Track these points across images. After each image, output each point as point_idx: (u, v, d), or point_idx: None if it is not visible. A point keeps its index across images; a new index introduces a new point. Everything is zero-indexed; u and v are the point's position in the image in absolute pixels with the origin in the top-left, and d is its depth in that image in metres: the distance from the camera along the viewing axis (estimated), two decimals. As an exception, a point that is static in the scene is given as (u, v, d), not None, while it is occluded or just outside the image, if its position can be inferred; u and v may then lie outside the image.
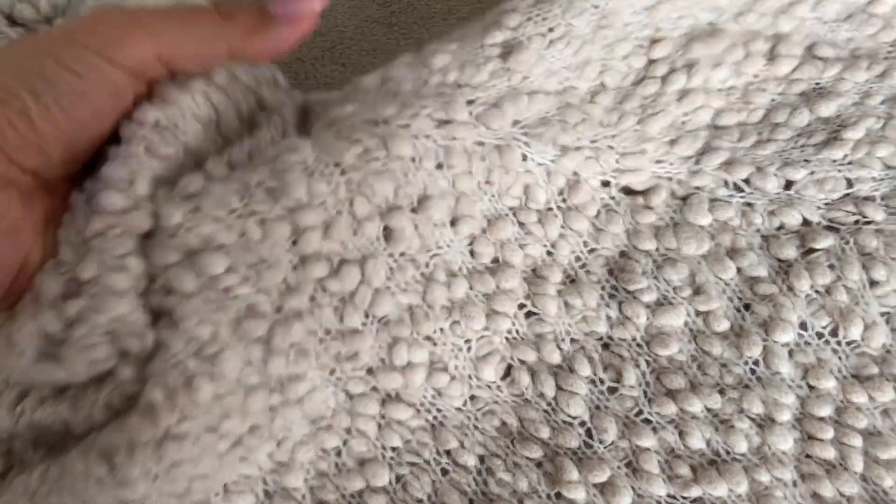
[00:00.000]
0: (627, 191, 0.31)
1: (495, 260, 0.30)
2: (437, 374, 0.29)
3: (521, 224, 0.30)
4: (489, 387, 0.30)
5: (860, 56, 0.31)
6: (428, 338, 0.29)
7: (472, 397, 0.30)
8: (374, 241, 0.28)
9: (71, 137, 0.25)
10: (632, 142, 0.30)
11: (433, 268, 0.29)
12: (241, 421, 0.26)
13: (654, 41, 0.31)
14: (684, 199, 0.31)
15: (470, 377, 0.30)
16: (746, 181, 0.31)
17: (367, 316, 0.28)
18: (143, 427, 0.24)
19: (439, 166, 0.28)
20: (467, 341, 0.30)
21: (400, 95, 0.29)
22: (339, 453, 0.29)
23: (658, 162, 0.31)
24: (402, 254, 0.28)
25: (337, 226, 0.27)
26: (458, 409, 0.30)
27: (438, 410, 0.30)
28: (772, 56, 0.31)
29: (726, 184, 0.31)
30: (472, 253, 0.30)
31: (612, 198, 0.31)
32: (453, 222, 0.29)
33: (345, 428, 0.29)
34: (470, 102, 0.29)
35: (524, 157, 0.29)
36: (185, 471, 0.25)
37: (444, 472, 0.29)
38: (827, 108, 0.31)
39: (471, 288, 0.29)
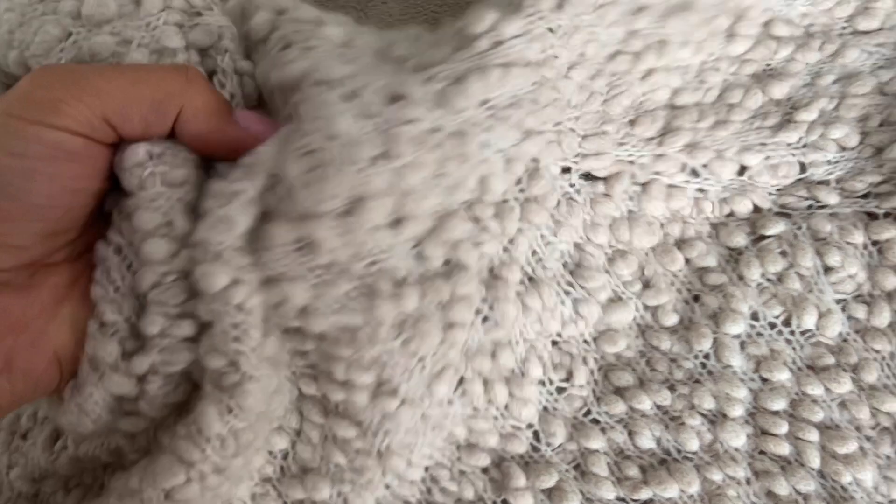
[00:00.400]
0: (587, 176, 0.29)
1: (447, 262, 0.26)
2: (384, 398, 0.26)
3: (476, 220, 0.26)
4: (440, 405, 0.27)
5: (814, 34, 0.30)
6: (374, 360, 0.26)
7: (423, 416, 0.27)
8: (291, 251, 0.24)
9: (36, 218, 0.23)
10: (593, 124, 0.28)
11: (374, 279, 0.25)
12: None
13: (639, 9, 0.27)
14: (643, 185, 0.29)
15: (422, 398, 0.27)
16: (705, 166, 0.29)
17: (303, 331, 0.25)
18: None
19: (384, 156, 0.23)
20: (420, 360, 0.26)
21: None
22: (285, 456, 0.28)
23: (621, 144, 0.28)
24: (327, 266, 0.24)
25: None
26: (407, 430, 0.27)
27: (385, 433, 0.27)
28: (730, 34, 0.29)
29: (684, 168, 0.29)
30: (419, 256, 0.25)
31: (573, 185, 0.28)
32: (395, 223, 0.24)
33: (294, 429, 0.28)
34: (429, 78, 0.24)
35: (484, 145, 0.25)
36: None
37: (387, 486, 0.28)
38: (779, 90, 0.29)
39: (423, 297, 0.25)
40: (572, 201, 0.29)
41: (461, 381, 0.27)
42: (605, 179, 0.29)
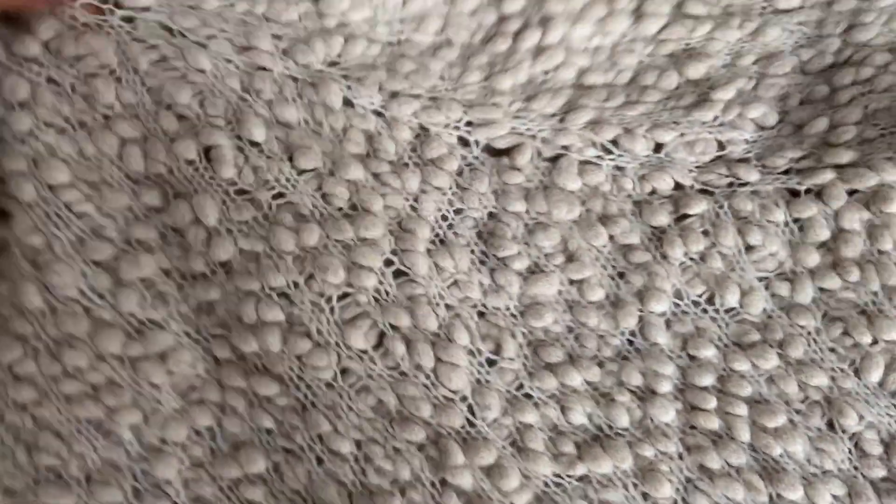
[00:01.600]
0: (492, 152, 0.30)
1: (353, 206, 0.27)
2: (296, 338, 0.26)
3: (374, 175, 0.28)
4: (360, 357, 0.27)
5: (733, 13, 0.31)
6: (281, 294, 0.26)
7: (344, 371, 0.27)
8: (195, 163, 0.26)
9: None
10: (478, 95, 0.29)
11: (277, 210, 0.26)
12: (92, 361, 0.25)
13: None
14: (553, 160, 0.30)
15: (337, 344, 0.27)
16: (614, 142, 0.30)
17: (207, 261, 0.26)
18: None
19: (246, 90, 0.27)
20: (328, 299, 0.26)
21: (201, 12, 0.27)
22: (213, 436, 0.27)
23: (516, 118, 0.29)
24: (237, 190, 0.26)
25: (152, 144, 0.26)
26: (329, 386, 0.27)
27: (307, 387, 0.26)
28: (638, 14, 0.30)
29: (594, 144, 0.29)
30: (324, 197, 0.27)
31: (476, 157, 0.29)
32: (291, 157, 0.27)
33: (216, 403, 0.27)
34: (276, 37, 0.27)
35: (348, 102, 0.28)
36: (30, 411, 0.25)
37: (319, 460, 0.27)
38: (696, 70, 0.30)
39: (326, 236, 0.27)
40: (476, 170, 0.29)
41: (381, 337, 0.27)
42: (508, 153, 0.29)
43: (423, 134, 0.29)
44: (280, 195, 0.27)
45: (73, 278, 0.26)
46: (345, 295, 0.27)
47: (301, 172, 0.27)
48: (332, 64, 0.28)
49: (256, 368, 0.27)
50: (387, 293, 0.27)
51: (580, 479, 0.27)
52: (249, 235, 0.26)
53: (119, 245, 0.26)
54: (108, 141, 0.26)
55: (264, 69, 0.27)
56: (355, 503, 0.26)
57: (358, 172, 0.27)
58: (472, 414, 0.27)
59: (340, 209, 0.27)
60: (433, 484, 0.27)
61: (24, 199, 0.26)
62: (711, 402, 0.28)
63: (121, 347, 0.26)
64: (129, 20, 0.27)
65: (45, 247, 0.25)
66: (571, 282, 0.29)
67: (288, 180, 0.27)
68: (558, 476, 0.27)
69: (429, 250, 0.28)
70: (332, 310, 0.26)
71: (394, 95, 0.28)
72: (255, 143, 0.27)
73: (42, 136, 0.26)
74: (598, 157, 0.30)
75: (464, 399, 0.28)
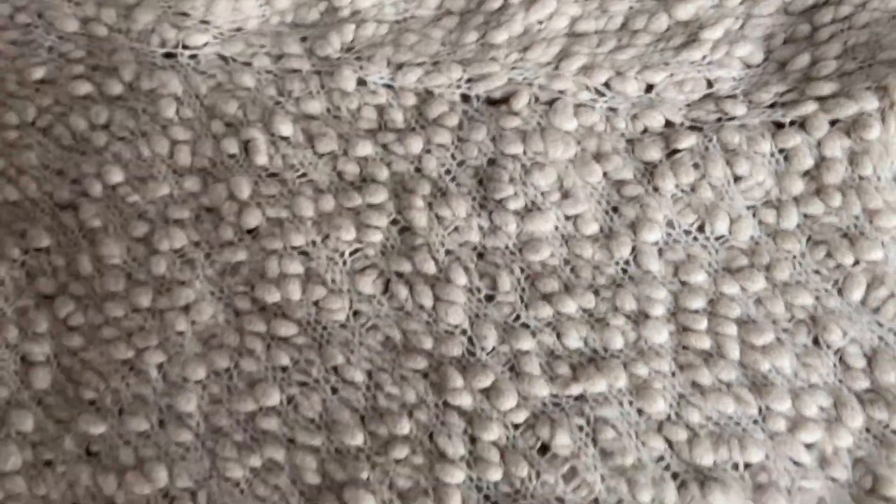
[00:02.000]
0: (490, 102, 0.32)
1: (363, 179, 0.32)
2: (314, 286, 0.30)
3: (383, 146, 0.32)
4: (370, 301, 0.31)
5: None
6: (301, 252, 0.31)
7: (356, 313, 0.31)
8: (236, 156, 0.32)
9: None
10: (476, 53, 0.32)
11: (299, 185, 0.32)
12: (127, 312, 0.31)
13: None
14: (549, 104, 0.32)
15: (349, 291, 0.31)
16: (607, 85, 0.31)
17: (236, 230, 0.31)
18: None
19: (280, 93, 0.33)
20: (341, 254, 0.31)
21: (245, 33, 0.34)
22: (230, 375, 0.30)
23: (513, 69, 0.31)
24: (266, 171, 0.32)
25: (201, 143, 0.32)
26: (342, 326, 0.30)
27: (323, 328, 0.30)
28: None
29: (588, 88, 0.31)
30: (338, 174, 0.32)
31: (477, 109, 0.32)
32: (312, 144, 0.32)
33: (234, 347, 0.30)
34: (303, 39, 0.34)
35: (362, 81, 0.33)
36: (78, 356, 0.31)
37: (334, 390, 0.30)
38: (685, 11, 0.32)
39: (340, 204, 0.31)
40: (475, 121, 0.32)
41: (387, 284, 0.31)
42: (506, 101, 0.32)
43: (427, 97, 0.32)
44: (303, 175, 0.32)
45: (119, 250, 0.31)
46: (356, 250, 0.31)
47: (320, 156, 0.32)
48: (348, 49, 0.33)
49: (276, 315, 0.31)
50: (392, 246, 0.31)
51: (577, 398, 0.29)
52: (275, 205, 0.31)
53: (158, 223, 0.32)
54: (161, 143, 0.33)
55: (294, 71, 0.33)
56: (367, 425, 0.29)
57: (367, 149, 0.32)
58: (472, 344, 0.30)
59: (352, 183, 0.32)
60: (436, 405, 0.29)
61: (91, 195, 0.32)
62: (702, 324, 0.30)
63: (150, 302, 0.31)
64: (193, 57, 0.34)
65: (101, 229, 0.32)
66: (567, 217, 0.31)
67: (310, 163, 0.32)
68: (555, 396, 0.29)
69: (430, 204, 0.32)
70: (344, 262, 0.31)
71: (400, 67, 0.33)
72: (284, 137, 0.32)
73: (111, 146, 0.33)
74: (592, 99, 0.32)
75: (463, 332, 0.30)
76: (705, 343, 0.29)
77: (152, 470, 0.29)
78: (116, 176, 0.33)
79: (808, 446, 0.28)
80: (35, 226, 0.32)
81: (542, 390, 0.29)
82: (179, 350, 0.30)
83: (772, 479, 0.27)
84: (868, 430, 0.28)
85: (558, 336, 0.30)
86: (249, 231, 0.31)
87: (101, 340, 0.30)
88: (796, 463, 0.28)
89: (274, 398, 0.30)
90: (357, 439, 0.29)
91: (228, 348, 0.30)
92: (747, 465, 0.28)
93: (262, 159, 0.32)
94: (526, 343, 0.30)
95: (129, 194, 0.32)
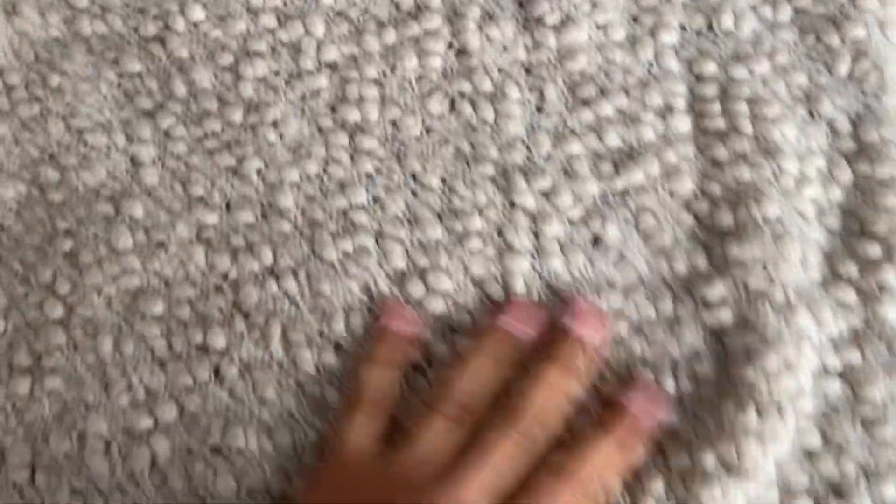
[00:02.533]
0: None
1: (418, 7, 0.36)
2: (390, 107, 0.35)
3: None
4: (440, 119, 0.35)
5: None
6: (375, 80, 0.35)
7: (428, 130, 0.35)
8: None
9: None
10: None
11: (364, 22, 0.36)
12: (224, 126, 0.35)
13: None
14: None
15: (420, 110, 0.35)
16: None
17: (318, 62, 0.35)
18: None
19: None
20: (409, 82, 0.35)
21: None
22: (321, 179, 0.35)
23: None
24: (336, 13, 0.36)
25: None
26: (417, 140, 0.35)
27: (401, 143, 0.35)
28: None
29: None
30: (396, 7, 0.36)
31: None
32: None
33: (322, 157, 0.35)
34: None
35: None
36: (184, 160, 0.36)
37: (414, 193, 0.35)
38: None
39: (398, 33, 0.36)
40: None
41: (453, 102, 0.35)
42: None
43: None
44: (366, 11, 0.36)
45: (208, 76, 0.36)
46: (421, 77, 0.35)
47: None
48: None
49: (357, 130, 0.35)
50: (452, 69, 0.36)
51: (621, 192, 0.34)
52: (347, 42, 0.36)
53: (238, 55, 0.36)
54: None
55: None
56: (444, 222, 0.34)
57: None
58: (529, 151, 0.35)
59: (409, 13, 0.36)
60: (504, 205, 0.34)
61: (175, 29, 0.37)
62: (716, 106, 0.35)
63: (243, 117, 0.35)
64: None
65: (188, 58, 0.37)
66: (598, 26, 0.35)
67: (372, 1, 0.36)
68: (603, 191, 0.34)
69: (480, 27, 0.35)
70: (412, 87, 0.35)
71: None
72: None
73: None
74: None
75: (522, 141, 0.35)
76: (721, 124, 0.34)
77: (261, 251, 0.34)
78: (198, 13, 0.36)
79: (812, 201, 0.34)
80: (125, 54, 0.36)
81: (592, 187, 0.34)
82: (273, 157, 0.35)
83: (786, 229, 0.33)
84: (856, 186, 0.34)
85: (599, 137, 0.35)
86: (328, 63, 0.36)
87: (204, 150, 0.35)
88: (802, 215, 0.33)
89: (361, 197, 0.34)
90: (437, 233, 0.34)
91: (317, 157, 0.35)
92: (766, 220, 0.33)
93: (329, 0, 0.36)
94: (575, 147, 0.34)
95: (211, 30, 0.36)
